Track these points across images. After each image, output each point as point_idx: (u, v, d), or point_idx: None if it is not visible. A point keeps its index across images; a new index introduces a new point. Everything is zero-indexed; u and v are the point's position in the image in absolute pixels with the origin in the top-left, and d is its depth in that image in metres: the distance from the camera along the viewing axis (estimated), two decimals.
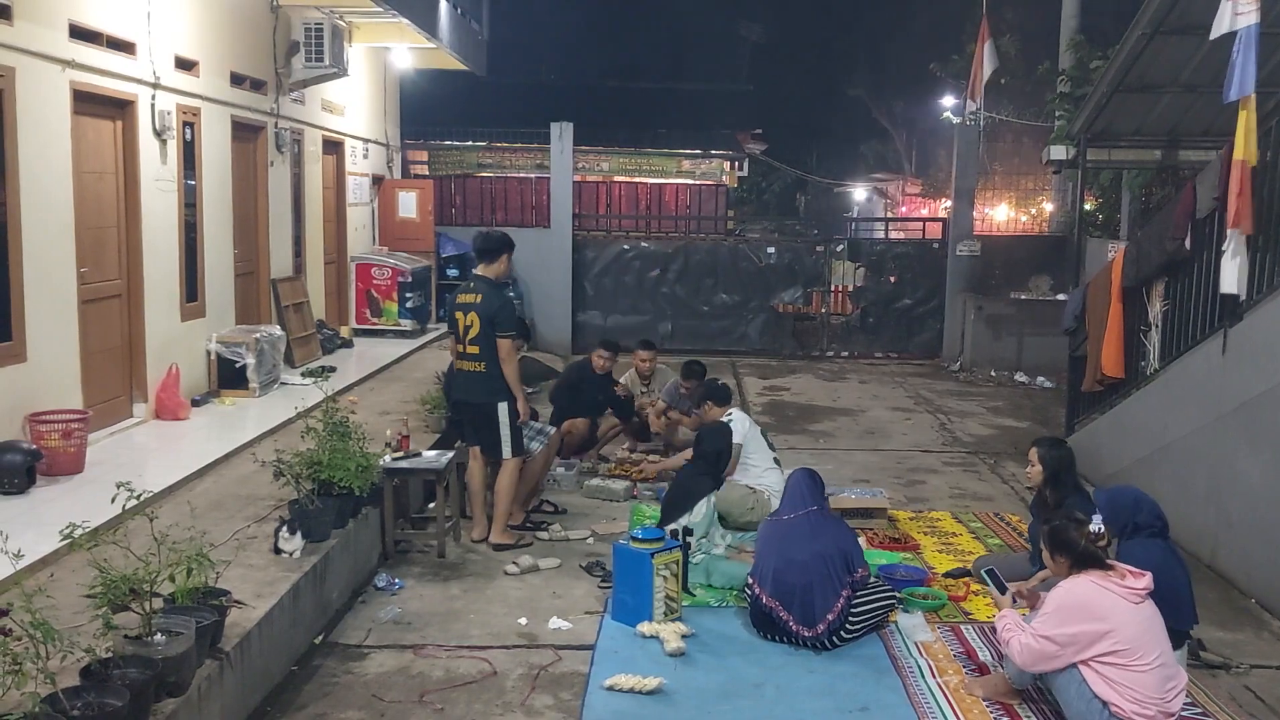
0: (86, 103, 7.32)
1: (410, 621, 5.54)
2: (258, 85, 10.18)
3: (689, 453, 6.92)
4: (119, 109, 7.83)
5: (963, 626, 5.59)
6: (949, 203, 16.87)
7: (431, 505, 7.01)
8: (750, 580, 5.50)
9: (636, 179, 19.04)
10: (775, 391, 12.77)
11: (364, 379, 10.41)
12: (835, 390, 12.94)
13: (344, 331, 12.52)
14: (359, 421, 6.36)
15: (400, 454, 6.63)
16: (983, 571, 5.21)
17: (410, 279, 12.95)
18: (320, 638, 5.31)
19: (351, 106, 13.13)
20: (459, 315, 6.66)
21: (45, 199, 6.78)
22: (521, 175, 18.08)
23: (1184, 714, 4.39)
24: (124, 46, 7.73)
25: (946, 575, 6.36)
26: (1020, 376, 13.67)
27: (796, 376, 13.90)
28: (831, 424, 10.93)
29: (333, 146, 12.67)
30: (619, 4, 30.29)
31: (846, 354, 15.53)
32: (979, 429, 10.83)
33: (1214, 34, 6.36)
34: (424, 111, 17.68)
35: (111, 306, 7.80)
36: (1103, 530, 4.55)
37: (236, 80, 9.71)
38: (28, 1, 6.54)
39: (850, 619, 5.26)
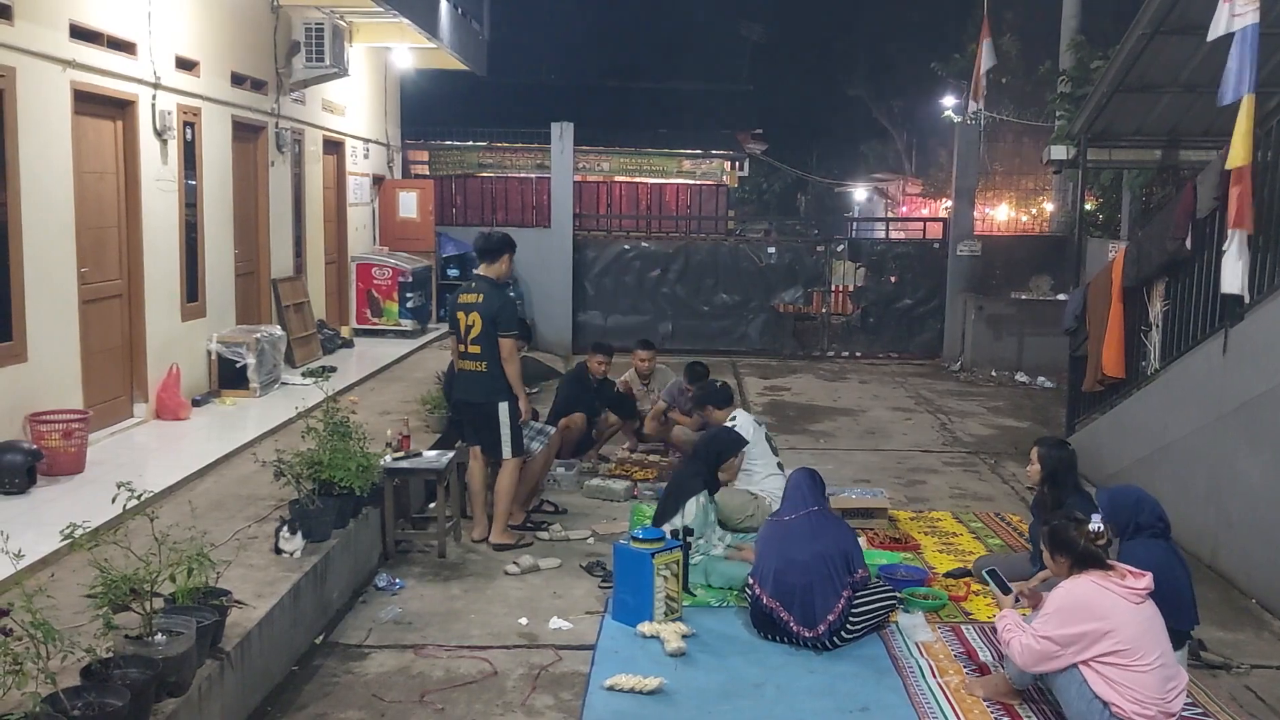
0: (87, 103, 7.32)
1: (411, 621, 5.54)
2: (258, 85, 10.19)
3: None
4: (119, 109, 7.83)
5: (963, 626, 5.59)
6: (949, 203, 16.88)
7: (432, 505, 7.01)
8: (750, 580, 5.50)
9: (637, 179, 19.05)
10: (776, 391, 12.77)
11: (364, 379, 10.41)
12: (836, 390, 12.94)
13: (344, 331, 12.53)
14: (359, 421, 6.36)
15: (401, 454, 6.63)
16: (984, 572, 5.21)
17: (411, 279, 12.96)
18: (321, 638, 5.31)
19: (352, 106, 13.14)
20: (460, 315, 6.66)
21: (46, 199, 6.78)
22: (522, 175, 18.09)
23: (1184, 714, 4.38)
24: (124, 46, 7.73)
25: (947, 575, 6.36)
26: (1021, 376, 13.67)
27: (797, 376, 13.90)
28: (832, 424, 10.93)
29: (333, 146, 12.67)
30: (619, 4, 30.29)
31: (847, 354, 15.52)
32: (979, 429, 10.83)
33: (1211, 35, 6.35)
34: (424, 111, 17.68)
35: (112, 306, 7.80)
36: (1103, 529, 4.55)
37: (237, 80, 9.71)
38: (28, 1, 6.54)
39: (850, 619, 5.26)
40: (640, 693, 4.71)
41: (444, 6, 13.18)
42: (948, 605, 5.84)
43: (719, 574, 6.04)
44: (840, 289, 15.99)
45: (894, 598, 5.57)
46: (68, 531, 4.00)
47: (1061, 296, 13.18)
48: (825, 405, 11.93)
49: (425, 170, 18.36)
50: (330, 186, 12.65)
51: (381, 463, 6.34)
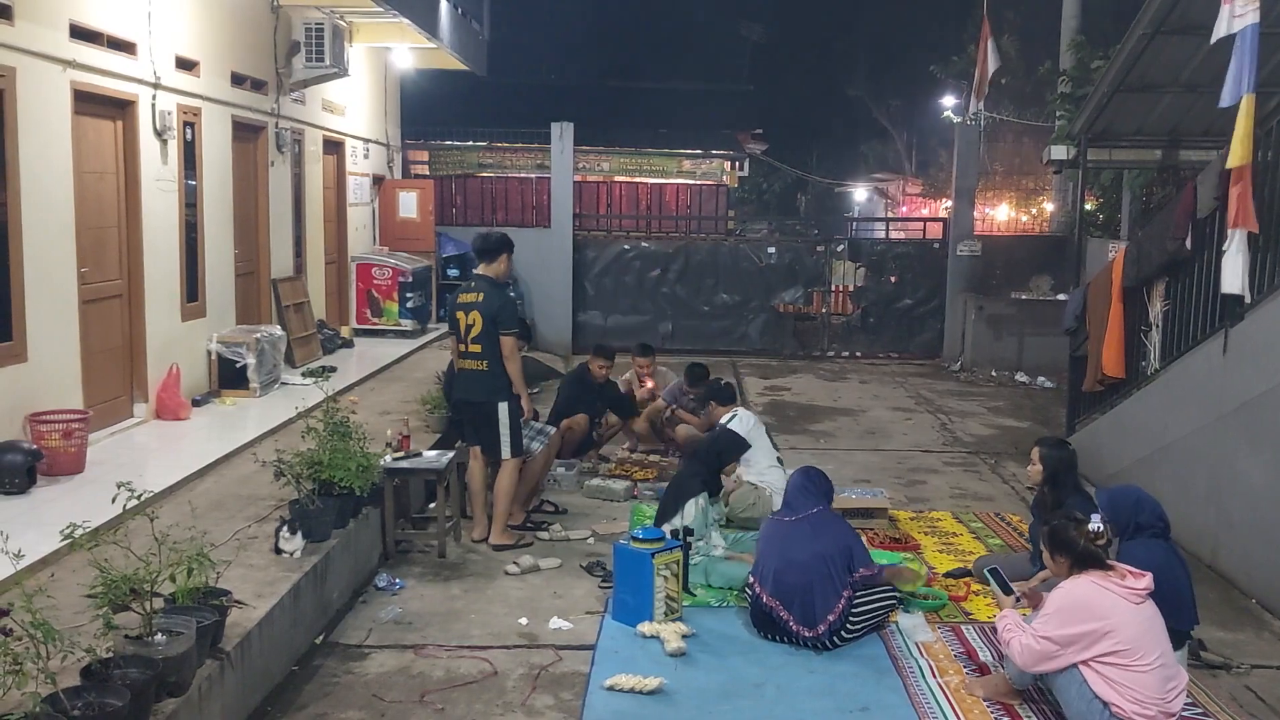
0: (87, 103, 7.32)
1: (411, 621, 5.54)
2: (258, 85, 10.19)
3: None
4: (120, 109, 7.83)
5: (963, 626, 5.59)
6: (950, 203, 16.88)
7: (432, 505, 7.01)
8: (751, 579, 5.50)
9: (637, 179, 19.05)
10: (776, 391, 12.77)
11: (364, 379, 10.41)
12: (836, 390, 12.94)
13: (344, 331, 12.53)
14: (359, 421, 6.36)
15: (401, 454, 6.63)
16: (985, 571, 5.20)
17: (411, 279, 12.95)
18: (321, 638, 5.31)
19: (352, 106, 13.14)
20: (460, 315, 6.67)
21: (46, 199, 6.78)
22: (522, 175, 18.09)
23: (1185, 714, 4.39)
24: (124, 46, 7.73)
25: (947, 575, 6.36)
26: (1021, 376, 13.67)
27: (797, 376, 13.90)
28: (832, 424, 10.93)
29: (333, 146, 12.67)
30: (619, 4, 30.27)
31: (847, 354, 15.52)
32: (979, 429, 10.83)
33: (1214, 37, 6.34)
34: (424, 111, 17.68)
35: (112, 306, 7.80)
36: (1103, 529, 4.55)
37: (237, 80, 9.71)
38: (28, 1, 6.54)
39: (851, 619, 5.26)
40: (640, 693, 4.71)
41: (444, 6, 13.18)
42: (948, 605, 5.85)
43: (719, 574, 6.04)
44: (840, 289, 15.99)
45: (894, 597, 5.57)
46: (68, 531, 4.00)
47: (1061, 296, 13.18)
48: (825, 405, 11.93)
49: (425, 170, 18.36)
50: (330, 186, 12.65)
51: (381, 463, 6.34)
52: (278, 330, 9.75)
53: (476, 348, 6.61)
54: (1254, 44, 6.02)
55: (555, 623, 5.52)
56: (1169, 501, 5.47)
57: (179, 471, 6.67)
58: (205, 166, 9.11)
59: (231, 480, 6.75)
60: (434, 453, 6.90)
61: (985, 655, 5.19)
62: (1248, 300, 6.33)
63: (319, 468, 5.74)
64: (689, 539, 5.97)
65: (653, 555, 5.40)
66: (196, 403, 8.55)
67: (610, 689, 4.75)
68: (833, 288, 15.80)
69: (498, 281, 6.79)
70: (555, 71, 26.57)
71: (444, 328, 12.30)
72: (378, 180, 14.53)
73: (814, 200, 37.21)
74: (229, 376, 8.99)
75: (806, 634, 5.22)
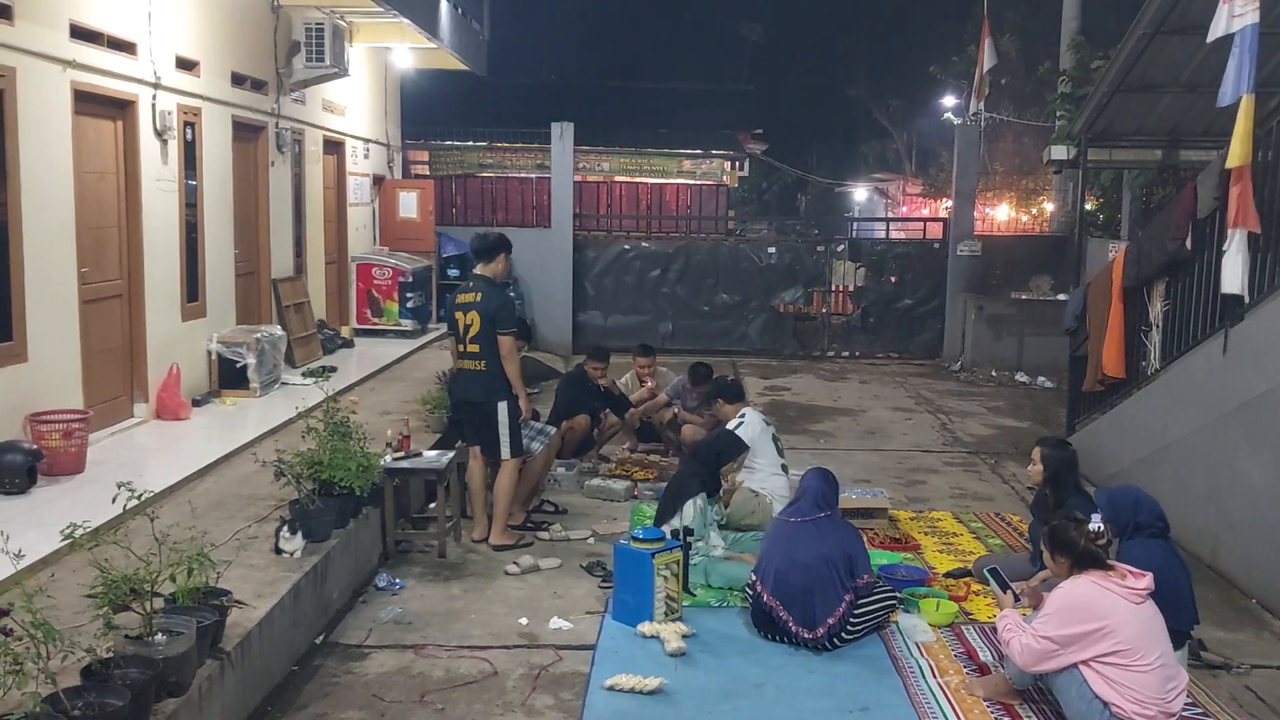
0: (87, 103, 7.32)
1: (411, 621, 5.54)
2: (259, 85, 10.19)
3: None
4: (120, 109, 7.83)
5: (963, 627, 5.59)
6: (950, 203, 16.88)
7: (432, 505, 7.01)
8: (753, 578, 5.49)
9: (637, 179, 19.06)
10: (776, 391, 12.77)
11: (365, 379, 10.41)
12: (836, 390, 12.94)
13: (345, 331, 12.53)
14: (360, 421, 6.36)
15: (401, 454, 6.63)
16: (985, 571, 5.21)
17: (411, 279, 12.95)
18: (321, 638, 5.31)
19: (352, 106, 13.14)
20: (459, 315, 6.67)
21: (46, 199, 6.78)
22: (522, 175, 18.10)
23: (1185, 714, 4.39)
24: (125, 46, 7.73)
25: (947, 575, 6.36)
26: (1021, 376, 13.67)
27: (797, 376, 13.90)
28: (832, 424, 10.93)
29: (333, 146, 12.67)
30: (619, 4, 30.30)
31: (847, 354, 15.53)
32: (980, 429, 10.83)
33: (1211, 36, 6.34)
34: (424, 111, 17.67)
35: (112, 306, 7.80)
36: (1103, 529, 4.55)
37: (237, 80, 9.71)
38: (28, 1, 6.54)
39: (851, 622, 5.25)
40: (640, 693, 4.71)
41: (444, 6, 13.18)
42: (955, 611, 5.82)
43: (719, 574, 6.04)
44: (840, 289, 15.99)
45: (894, 599, 5.56)
46: (68, 531, 4.00)
47: (1061, 296, 13.18)
48: (825, 405, 11.93)
49: (425, 170, 18.36)
50: (330, 186, 12.64)
51: (381, 463, 6.34)
52: (278, 330, 9.75)
53: (475, 348, 6.62)
54: (1254, 44, 6.02)
55: (555, 623, 5.52)
56: (1169, 501, 5.47)
57: (179, 471, 6.67)
58: (205, 166, 9.10)
59: (232, 480, 6.75)
60: (434, 453, 6.90)
61: (985, 655, 5.19)
62: (1248, 300, 6.34)
63: (319, 468, 5.74)
64: (689, 539, 5.98)
65: (653, 555, 5.40)
66: (197, 403, 8.55)
67: (610, 689, 4.75)
68: (833, 288, 15.80)
69: (496, 281, 6.80)
70: (555, 71, 26.59)
71: (444, 328, 12.30)
72: (378, 180, 14.53)
73: (814, 200, 37.22)
74: (229, 376, 8.99)
75: (806, 635, 5.22)
